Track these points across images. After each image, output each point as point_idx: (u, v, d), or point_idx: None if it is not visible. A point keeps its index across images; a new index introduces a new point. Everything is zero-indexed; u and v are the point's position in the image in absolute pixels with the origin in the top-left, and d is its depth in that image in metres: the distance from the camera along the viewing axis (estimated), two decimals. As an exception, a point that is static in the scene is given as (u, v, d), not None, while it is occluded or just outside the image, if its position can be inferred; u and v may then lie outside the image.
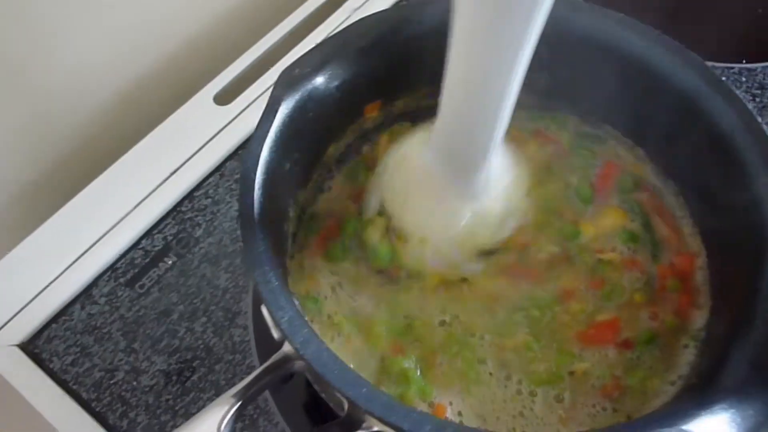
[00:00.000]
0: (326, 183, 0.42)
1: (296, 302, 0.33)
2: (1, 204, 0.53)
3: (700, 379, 0.33)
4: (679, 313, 0.37)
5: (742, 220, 0.34)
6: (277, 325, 0.31)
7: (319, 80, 0.39)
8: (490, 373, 0.36)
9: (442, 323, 0.37)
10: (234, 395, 0.31)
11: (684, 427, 0.28)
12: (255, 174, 0.34)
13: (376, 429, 0.31)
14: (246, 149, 0.35)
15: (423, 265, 0.38)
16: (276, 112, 0.37)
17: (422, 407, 0.35)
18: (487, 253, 0.38)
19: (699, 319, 0.36)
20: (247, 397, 0.31)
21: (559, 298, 0.38)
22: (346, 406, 0.32)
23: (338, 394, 0.32)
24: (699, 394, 0.30)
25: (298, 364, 0.33)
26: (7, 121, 0.50)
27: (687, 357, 0.36)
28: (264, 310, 0.36)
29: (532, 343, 0.37)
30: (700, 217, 0.39)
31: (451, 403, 0.35)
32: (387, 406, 0.29)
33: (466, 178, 0.36)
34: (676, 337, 0.36)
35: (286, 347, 0.33)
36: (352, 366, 0.36)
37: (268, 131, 0.36)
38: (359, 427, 0.32)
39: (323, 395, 0.35)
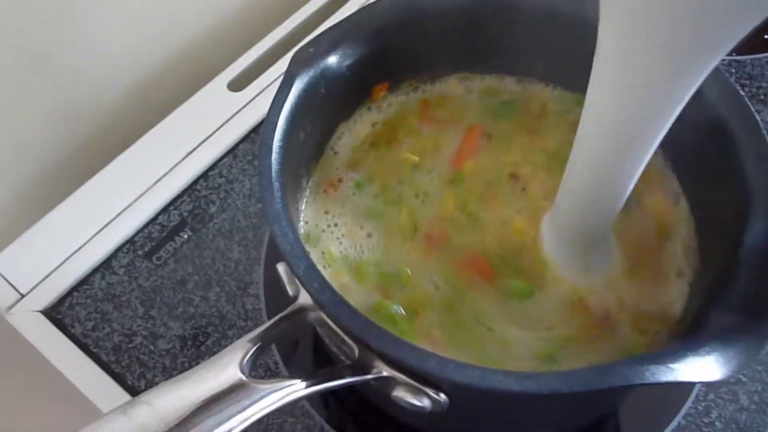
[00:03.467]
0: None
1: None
2: (27, 180, 0.55)
3: (687, 325, 0.35)
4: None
5: (727, 182, 0.37)
6: (295, 273, 0.33)
7: (332, 59, 0.42)
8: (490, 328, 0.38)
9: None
10: (251, 339, 0.33)
11: (671, 365, 0.30)
12: (273, 138, 0.37)
13: (384, 374, 0.33)
14: (265, 119, 0.37)
15: None
16: (291, 86, 0.40)
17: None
18: None
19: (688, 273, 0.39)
20: (264, 341, 0.33)
21: None
22: (356, 351, 0.35)
23: (350, 340, 0.35)
24: (686, 338, 0.33)
25: (312, 315, 0.36)
26: (36, 103, 0.53)
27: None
28: (279, 267, 0.38)
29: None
30: (690, 185, 0.41)
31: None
32: (402, 346, 0.31)
33: (584, 256, 0.37)
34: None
35: (301, 299, 0.36)
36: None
37: (284, 102, 0.39)
38: (368, 372, 0.34)
39: (332, 345, 0.38)
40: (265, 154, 0.37)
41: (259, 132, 0.38)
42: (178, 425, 0.28)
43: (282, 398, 0.31)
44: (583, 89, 0.31)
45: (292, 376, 0.32)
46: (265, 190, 0.35)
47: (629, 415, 0.44)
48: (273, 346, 0.46)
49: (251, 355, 0.32)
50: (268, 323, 0.34)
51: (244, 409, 0.29)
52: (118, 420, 0.28)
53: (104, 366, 0.46)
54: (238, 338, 0.46)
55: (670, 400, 0.44)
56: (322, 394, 0.45)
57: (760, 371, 0.45)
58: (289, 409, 0.44)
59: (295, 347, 0.46)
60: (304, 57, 0.41)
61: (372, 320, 0.32)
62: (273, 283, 0.49)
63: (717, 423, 0.44)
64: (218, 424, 0.29)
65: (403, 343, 0.32)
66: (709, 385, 0.45)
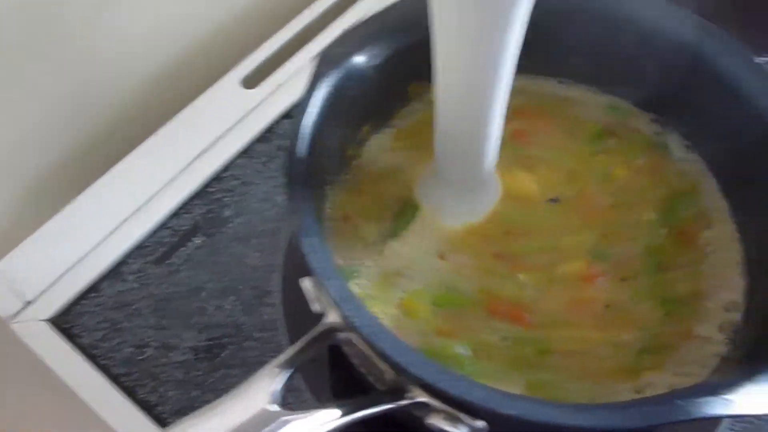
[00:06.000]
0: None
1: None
2: (32, 181, 0.53)
3: (742, 350, 0.33)
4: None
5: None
6: (327, 293, 0.31)
7: (360, 59, 0.40)
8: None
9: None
10: (280, 365, 0.31)
11: (727, 397, 0.28)
12: (302, 147, 0.35)
13: (420, 399, 0.31)
14: (292, 122, 0.35)
15: None
16: (319, 88, 0.37)
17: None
18: None
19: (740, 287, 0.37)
20: (294, 366, 0.31)
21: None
22: (390, 375, 0.32)
23: (383, 364, 0.32)
24: (741, 366, 0.31)
25: (342, 336, 0.34)
26: (43, 101, 0.50)
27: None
28: (305, 283, 0.36)
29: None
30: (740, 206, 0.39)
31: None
32: (440, 373, 0.29)
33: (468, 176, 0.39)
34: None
35: (330, 318, 0.34)
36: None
37: (312, 104, 0.37)
38: (403, 398, 0.32)
39: (361, 367, 0.35)
40: (294, 162, 0.34)
41: (288, 136, 0.35)
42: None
43: (316, 430, 0.29)
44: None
45: (325, 405, 0.30)
46: (294, 202, 0.33)
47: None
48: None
49: (281, 382, 0.30)
50: (296, 346, 0.32)
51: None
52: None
53: (114, 379, 0.44)
54: (254, 350, 0.45)
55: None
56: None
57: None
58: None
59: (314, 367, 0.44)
60: (332, 56, 0.39)
61: (404, 342, 0.30)
62: (292, 291, 0.47)
63: (756, 445, 0.42)
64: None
65: (445, 372, 0.30)
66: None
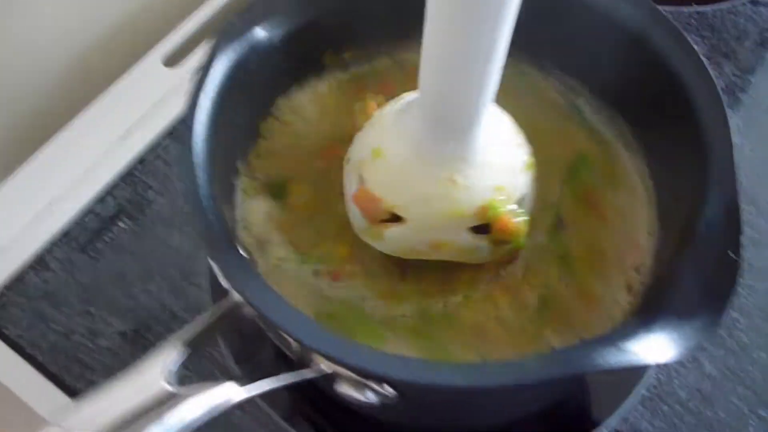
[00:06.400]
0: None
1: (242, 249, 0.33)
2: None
3: (645, 303, 0.34)
4: None
5: (685, 147, 0.35)
6: (221, 270, 0.31)
7: (262, 31, 0.39)
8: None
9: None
10: (177, 343, 0.31)
11: (624, 347, 0.28)
12: (196, 119, 0.34)
13: (326, 369, 0.31)
14: (187, 98, 0.35)
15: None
16: (217, 61, 0.37)
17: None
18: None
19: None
20: (193, 345, 0.31)
21: None
22: (296, 345, 0.32)
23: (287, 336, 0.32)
24: (643, 316, 0.31)
25: (248, 310, 0.33)
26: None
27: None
28: (210, 260, 0.36)
29: None
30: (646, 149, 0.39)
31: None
32: (333, 344, 0.29)
33: (455, 141, 0.33)
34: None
35: (236, 295, 0.34)
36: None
37: (209, 79, 0.36)
38: (310, 367, 0.32)
39: (274, 339, 0.35)
40: (189, 137, 0.34)
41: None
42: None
43: (214, 407, 0.29)
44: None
45: (226, 380, 0.30)
46: (188, 176, 0.33)
47: (589, 392, 0.42)
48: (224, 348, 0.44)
49: (177, 362, 0.30)
50: (196, 323, 0.32)
51: (166, 422, 0.27)
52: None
53: (40, 367, 0.44)
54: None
55: (631, 373, 0.43)
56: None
57: (724, 338, 0.44)
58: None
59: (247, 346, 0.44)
60: (230, 30, 0.38)
61: (304, 315, 0.30)
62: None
63: (680, 392, 0.43)
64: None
65: (338, 339, 0.30)
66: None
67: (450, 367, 0.30)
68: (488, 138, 0.33)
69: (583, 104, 0.41)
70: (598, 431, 0.41)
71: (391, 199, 0.34)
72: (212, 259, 0.31)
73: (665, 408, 0.42)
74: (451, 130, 0.33)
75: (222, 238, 0.32)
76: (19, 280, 0.47)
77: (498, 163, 0.34)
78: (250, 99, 0.40)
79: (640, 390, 0.42)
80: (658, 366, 0.43)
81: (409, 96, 0.36)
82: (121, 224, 0.49)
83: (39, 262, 0.48)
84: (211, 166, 0.34)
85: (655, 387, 0.43)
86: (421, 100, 0.33)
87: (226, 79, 0.37)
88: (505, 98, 0.34)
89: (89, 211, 0.49)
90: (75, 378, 0.43)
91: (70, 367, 0.44)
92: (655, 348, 0.29)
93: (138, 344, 0.44)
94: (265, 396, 0.42)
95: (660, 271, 0.35)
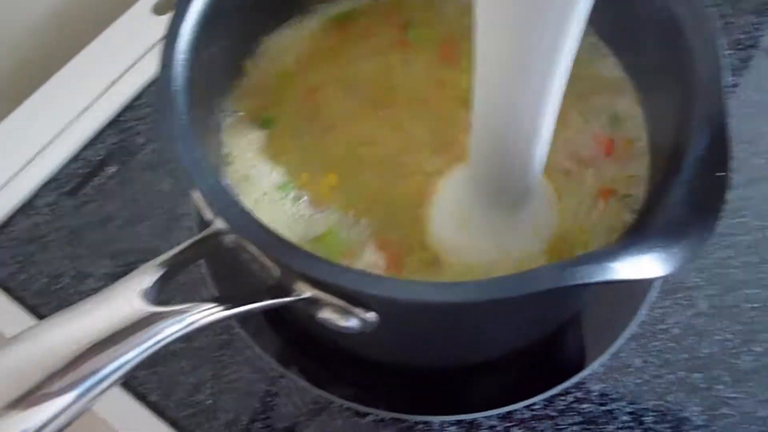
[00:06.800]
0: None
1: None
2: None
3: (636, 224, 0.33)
4: None
5: (674, 73, 0.34)
6: (202, 195, 0.30)
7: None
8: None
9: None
10: (156, 265, 0.31)
11: (609, 264, 0.28)
12: (175, 48, 0.34)
13: (308, 294, 0.31)
14: (167, 25, 0.34)
15: None
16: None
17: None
18: None
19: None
20: (172, 267, 0.31)
21: None
22: (277, 272, 0.32)
23: (267, 261, 0.32)
24: (628, 236, 0.31)
25: (228, 239, 0.33)
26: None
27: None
28: (195, 193, 0.35)
29: None
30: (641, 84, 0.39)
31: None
32: (316, 264, 0.29)
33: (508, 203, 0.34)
34: None
35: (217, 223, 0.33)
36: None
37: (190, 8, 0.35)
38: (291, 294, 0.32)
39: (254, 269, 0.35)
40: (166, 65, 0.33)
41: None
42: (67, 366, 0.25)
43: (187, 326, 0.28)
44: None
45: (205, 300, 0.30)
46: (161, 104, 0.32)
47: (580, 327, 0.42)
48: (208, 276, 0.43)
49: (155, 282, 0.29)
50: (176, 248, 0.32)
51: (142, 337, 0.27)
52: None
53: (31, 309, 0.44)
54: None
55: (624, 309, 0.42)
56: (260, 324, 0.43)
57: (718, 274, 0.43)
58: (227, 341, 0.42)
59: (231, 278, 0.44)
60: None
61: (286, 239, 0.30)
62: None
63: (674, 329, 0.42)
64: (116, 358, 0.26)
65: (322, 260, 0.29)
66: (664, 291, 0.43)
67: (428, 285, 0.29)
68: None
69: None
70: (590, 367, 0.41)
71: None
72: (193, 184, 0.30)
73: (657, 344, 0.42)
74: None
75: (201, 163, 0.31)
76: (7, 224, 0.47)
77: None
78: (233, 34, 0.39)
79: (633, 327, 0.42)
80: (653, 304, 0.43)
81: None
82: (109, 170, 0.49)
83: (28, 206, 0.47)
84: (190, 95, 0.34)
85: (647, 324, 0.42)
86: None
87: (208, 9, 0.37)
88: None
89: (78, 157, 0.49)
90: (64, 318, 0.43)
91: (60, 308, 0.43)
92: (648, 263, 0.28)
93: (127, 286, 0.44)
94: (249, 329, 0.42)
95: (650, 196, 0.34)
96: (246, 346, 0.42)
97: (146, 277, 0.30)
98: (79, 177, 0.48)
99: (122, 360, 0.26)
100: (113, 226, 0.46)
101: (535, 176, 0.33)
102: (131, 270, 0.44)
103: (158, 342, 0.27)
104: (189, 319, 0.28)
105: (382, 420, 0.40)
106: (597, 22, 0.39)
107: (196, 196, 0.35)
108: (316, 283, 0.31)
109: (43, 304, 0.44)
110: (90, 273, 0.45)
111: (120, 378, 0.26)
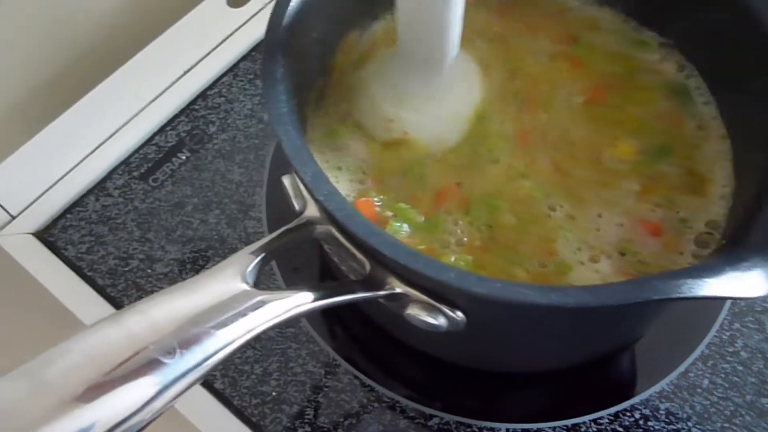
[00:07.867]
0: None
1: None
2: (19, 97, 0.52)
3: (727, 240, 0.33)
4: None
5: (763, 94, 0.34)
6: (301, 179, 0.30)
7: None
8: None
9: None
10: (254, 251, 0.31)
11: (709, 280, 0.28)
12: (279, 33, 0.34)
13: (398, 290, 0.31)
14: (271, 12, 0.34)
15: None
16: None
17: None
18: None
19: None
20: (268, 253, 0.31)
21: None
22: (368, 267, 0.32)
23: (361, 254, 0.32)
24: (724, 254, 0.30)
25: (320, 229, 0.33)
26: (29, 18, 0.50)
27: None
28: (285, 180, 0.35)
29: None
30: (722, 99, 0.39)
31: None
32: (418, 258, 0.29)
33: (429, 79, 0.37)
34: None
35: (309, 212, 0.33)
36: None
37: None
38: (380, 288, 0.32)
39: (341, 263, 0.35)
40: (271, 50, 0.34)
41: (265, 29, 0.34)
42: (173, 334, 0.26)
43: (289, 310, 0.28)
44: None
45: (300, 289, 0.30)
46: (268, 90, 0.32)
47: (649, 344, 0.42)
48: (276, 270, 0.44)
49: (254, 266, 0.30)
50: (272, 234, 0.32)
51: (248, 318, 0.27)
52: (109, 328, 0.26)
53: (99, 290, 0.44)
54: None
55: (693, 330, 0.42)
56: (328, 319, 0.43)
57: (790, 300, 0.43)
58: (293, 334, 0.42)
59: (297, 272, 0.44)
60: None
61: (386, 232, 0.30)
62: (276, 205, 0.46)
63: (742, 353, 0.42)
64: (218, 335, 0.27)
65: (419, 255, 0.29)
66: (734, 314, 0.43)
67: (528, 287, 0.29)
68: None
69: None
70: (659, 384, 0.40)
71: None
72: (296, 170, 0.30)
73: (726, 366, 0.41)
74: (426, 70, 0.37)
75: (303, 150, 0.31)
76: (78, 204, 0.47)
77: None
78: (323, 32, 0.40)
79: (702, 348, 0.41)
80: (721, 327, 0.42)
81: None
82: (181, 156, 0.49)
83: (99, 188, 0.48)
84: (289, 82, 0.34)
85: (715, 345, 0.42)
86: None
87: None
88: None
89: (150, 143, 0.50)
90: (133, 301, 0.43)
91: (128, 290, 0.44)
92: (740, 284, 0.28)
93: (194, 272, 0.44)
94: (320, 328, 0.42)
95: (744, 211, 0.34)
96: (310, 340, 0.42)
97: (245, 261, 0.30)
98: (150, 162, 0.49)
99: (227, 338, 0.26)
100: (183, 212, 0.47)
101: (454, 45, 0.36)
102: (200, 257, 0.45)
103: (262, 323, 0.27)
104: (291, 303, 0.28)
105: (446, 423, 0.40)
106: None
107: (290, 183, 0.35)
108: (407, 279, 0.31)
109: (111, 285, 0.44)
110: (159, 258, 0.45)
111: (225, 357, 0.26)
